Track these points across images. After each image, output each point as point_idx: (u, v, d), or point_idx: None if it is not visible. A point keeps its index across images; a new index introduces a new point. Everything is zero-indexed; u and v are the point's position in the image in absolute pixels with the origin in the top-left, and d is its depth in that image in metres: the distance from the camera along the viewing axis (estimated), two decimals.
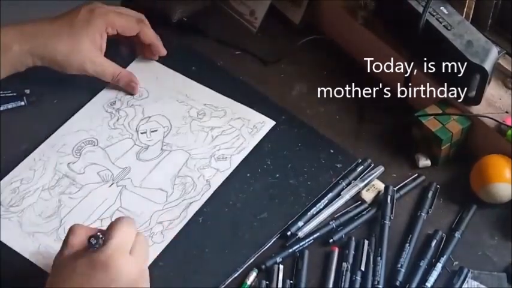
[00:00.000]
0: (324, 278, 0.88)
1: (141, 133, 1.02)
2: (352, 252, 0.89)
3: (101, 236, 0.78)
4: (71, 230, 0.81)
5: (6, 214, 0.93)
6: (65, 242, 0.80)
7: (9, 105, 1.04)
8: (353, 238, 0.90)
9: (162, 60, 1.10)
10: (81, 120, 1.03)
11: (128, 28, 1.05)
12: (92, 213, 0.93)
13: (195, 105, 1.05)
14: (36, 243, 0.90)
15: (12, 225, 0.92)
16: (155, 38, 1.07)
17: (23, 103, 1.04)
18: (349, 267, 0.88)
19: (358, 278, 0.87)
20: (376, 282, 0.87)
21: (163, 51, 1.08)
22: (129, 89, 1.05)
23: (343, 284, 0.87)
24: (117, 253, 0.77)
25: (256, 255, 0.90)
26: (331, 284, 0.87)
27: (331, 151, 1.00)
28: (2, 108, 1.04)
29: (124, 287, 0.77)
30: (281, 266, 0.88)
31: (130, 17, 1.05)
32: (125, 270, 0.77)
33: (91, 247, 0.78)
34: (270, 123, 1.02)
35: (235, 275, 0.88)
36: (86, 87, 1.06)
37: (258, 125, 1.02)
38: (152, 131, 1.02)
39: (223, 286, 0.87)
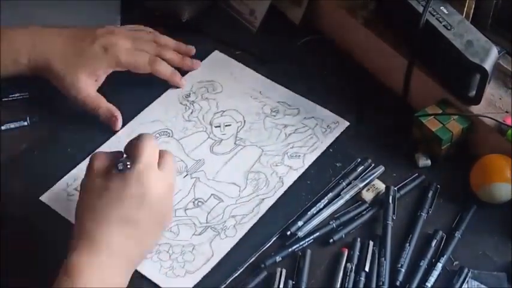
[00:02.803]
0: (326, 278, 0.88)
1: (215, 127, 1.03)
2: (356, 253, 0.89)
3: (127, 161, 0.82)
4: (94, 157, 0.86)
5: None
6: (90, 167, 0.85)
7: (12, 125, 1.03)
8: (358, 239, 0.90)
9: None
10: (156, 111, 1.04)
11: (136, 69, 1.04)
12: None
13: (269, 103, 1.05)
14: None
15: None
16: (170, 75, 1.06)
17: (25, 123, 1.03)
18: (353, 268, 0.88)
19: (362, 278, 0.87)
20: (381, 283, 0.87)
21: (181, 85, 1.07)
22: (110, 123, 1.02)
23: (347, 284, 0.87)
24: (147, 170, 0.82)
25: (257, 255, 0.90)
26: (338, 285, 0.87)
27: (330, 150, 1.00)
28: (3, 128, 1.02)
29: (156, 200, 0.82)
30: (283, 270, 0.88)
31: (141, 58, 1.04)
32: (157, 184, 0.82)
33: (119, 171, 0.82)
34: (343, 123, 1.03)
35: (236, 275, 0.88)
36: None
37: (331, 125, 1.02)
38: (226, 125, 1.03)
39: (223, 286, 0.87)
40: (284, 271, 0.88)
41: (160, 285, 0.87)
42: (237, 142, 1.01)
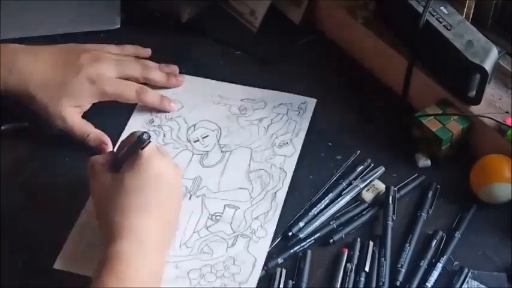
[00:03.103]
0: (326, 278, 0.88)
1: (194, 141, 1.01)
2: (357, 253, 0.89)
3: (143, 133, 0.84)
4: (92, 161, 0.88)
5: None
6: (94, 171, 0.87)
7: (12, 125, 1.02)
8: (358, 239, 0.90)
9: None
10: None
11: (125, 100, 1.02)
12: (185, 229, 0.92)
13: (233, 103, 1.05)
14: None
15: None
16: (159, 103, 1.04)
17: (26, 123, 1.02)
18: (353, 268, 0.88)
19: (362, 279, 0.87)
20: (381, 284, 0.87)
21: (169, 110, 1.04)
22: (99, 150, 0.99)
23: (347, 284, 0.87)
24: (153, 155, 0.85)
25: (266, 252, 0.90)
26: (338, 285, 0.87)
27: (330, 144, 1.01)
28: (3, 128, 1.02)
29: (169, 180, 0.86)
30: (283, 270, 0.88)
31: (128, 89, 1.01)
32: (165, 166, 0.86)
33: (140, 146, 0.84)
34: (312, 101, 1.05)
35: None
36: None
37: (302, 106, 1.04)
38: (204, 137, 1.01)
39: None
40: (284, 271, 0.88)
41: None
42: (223, 149, 1.00)
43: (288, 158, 0.99)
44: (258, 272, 0.88)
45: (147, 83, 1.04)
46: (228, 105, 1.05)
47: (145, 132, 0.84)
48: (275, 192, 0.95)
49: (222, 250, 0.90)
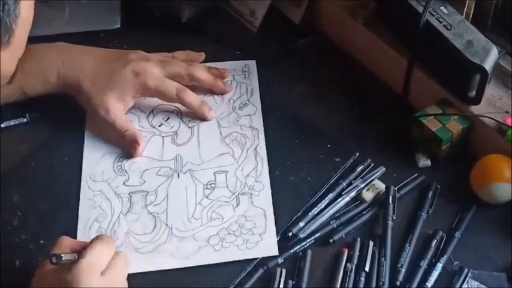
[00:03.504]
0: (326, 278, 0.88)
1: (159, 126, 1.03)
2: (357, 253, 0.89)
3: (61, 255, 0.79)
4: (56, 243, 0.83)
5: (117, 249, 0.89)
6: (48, 253, 0.81)
7: (11, 122, 1.03)
8: (358, 239, 0.90)
9: None
10: (95, 147, 1.01)
11: (165, 99, 1.03)
12: (187, 206, 0.94)
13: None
14: (161, 257, 0.89)
15: (131, 253, 0.89)
16: (198, 106, 1.03)
17: (25, 120, 1.03)
18: (353, 268, 0.88)
19: (362, 278, 0.87)
20: (381, 283, 0.87)
21: (209, 117, 1.03)
22: (131, 148, 0.99)
23: (347, 284, 0.87)
24: (86, 273, 0.79)
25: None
26: (338, 285, 0.87)
27: (329, 146, 1.00)
28: (3, 125, 1.02)
29: None
30: (283, 270, 0.88)
31: (170, 88, 1.01)
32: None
33: (52, 263, 0.79)
34: (252, 63, 1.10)
35: (244, 275, 0.88)
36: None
37: (245, 69, 1.09)
38: (166, 119, 1.04)
39: (232, 286, 0.87)
40: (284, 271, 0.88)
41: (254, 255, 0.89)
42: (189, 125, 1.03)
43: (253, 116, 1.03)
44: (272, 221, 0.92)
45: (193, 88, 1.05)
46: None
47: (55, 255, 0.79)
48: (255, 148, 0.99)
49: (230, 212, 0.93)
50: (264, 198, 0.94)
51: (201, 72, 1.05)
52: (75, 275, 0.78)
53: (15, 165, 0.99)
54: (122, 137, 1.00)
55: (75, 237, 0.91)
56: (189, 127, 1.02)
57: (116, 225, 0.93)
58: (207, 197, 0.95)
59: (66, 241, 0.83)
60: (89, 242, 0.83)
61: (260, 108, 1.04)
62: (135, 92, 1.01)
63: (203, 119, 1.03)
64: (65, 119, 1.04)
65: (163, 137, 1.02)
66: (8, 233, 0.92)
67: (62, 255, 0.79)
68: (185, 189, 0.96)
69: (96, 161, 0.99)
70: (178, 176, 0.97)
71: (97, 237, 0.83)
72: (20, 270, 0.89)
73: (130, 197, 0.96)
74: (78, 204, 0.95)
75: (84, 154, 1.00)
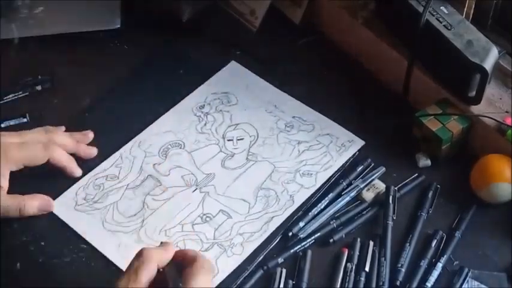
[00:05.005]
0: (326, 278, 0.88)
1: (228, 140, 1.01)
2: (357, 253, 0.89)
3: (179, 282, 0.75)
4: (141, 256, 0.76)
5: (90, 210, 0.94)
6: (132, 269, 0.76)
7: (11, 122, 1.03)
8: (358, 239, 0.90)
9: None
10: (170, 121, 1.03)
11: (33, 162, 0.94)
12: (174, 217, 0.93)
13: (284, 117, 1.03)
14: (117, 242, 0.91)
15: (95, 221, 0.92)
16: (66, 162, 0.96)
17: (25, 120, 1.03)
18: (353, 267, 0.88)
19: (362, 278, 0.87)
20: (381, 283, 0.87)
21: (76, 174, 0.97)
22: (45, 210, 0.93)
23: (347, 284, 0.87)
24: None
25: (265, 253, 0.90)
26: (338, 285, 0.87)
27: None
28: (3, 125, 1.02)
29: None
30: (284, 270, 0.88)
31: (33, 148, 0.94)
32: None
33: None
34: (359, 142, 1.00)
35: (246, 274, 0.88)
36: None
37: (346, 144, 1.00)
38: (239, 139, 1.01)
39: (235, 286, 0.87)
40: (284, 271, 0.88)
41: None
42: (249, 157, 0.99)
43: (303, 189, 0.95)
44: (213, 285, 0.84)
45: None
46: (278, 117, 1.03)
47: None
48: (272, 217, 0.93)
49: (195, 247, 0.90)
50: (231, 263, 0.89)
51: (62, 137, 0.98)
52: None
53: None
54: (25, 214, 0.93)
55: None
56: (247, 159, 0.99)
57: (113, 191, 0.95)
58: (192, 225, 0.92)
59: (151, 255, 0.76)
60: (188, 271, 0.76)
61: (316, 188, 0.95)
62: (10, 167, 0.93)
63: (70, 175, 0.97)
64: (64, 118, 1.04)
65: (220, 151, 1.00)
66: (9, 235, 0.92)
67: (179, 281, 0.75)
68: (184, 206, 0.94)
69: (156, 132, 1.01)
70: (194, 191, 0.96)
71: (201, 265, 0.77)
72: (20, 272, 0.89)
73: (146, 179, 0.96)
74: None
75: (154, 123, 1.02)
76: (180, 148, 1.00)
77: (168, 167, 0.98)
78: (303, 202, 0.94)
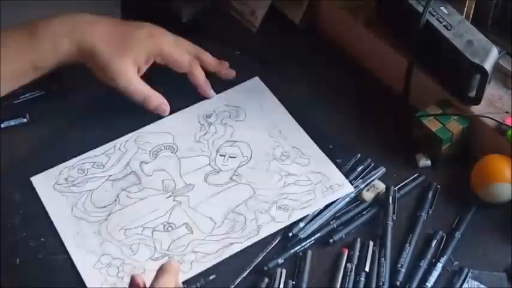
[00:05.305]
0: (326, 278, 0.88)
1: (220, 155, 1.00)
2: (357, 253, 0.89)
3: None
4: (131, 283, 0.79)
5: (65, 192, 0.95)
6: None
7: (11, 122, 1.03)
8: (358, 239, 0.90)
9: None
10: (172, 123, 1.03)
11: (176, 65, 1.03)
12: (138, 219, 0.93)
13: (283, 145, 1.01)
14: (77, 229, 0.91)
15: (66, 204, 0.94)
16: (204, 82, 1.05)
17: (25, 120, 1.03)
18: (353, 268, 0.88)
19: (362, 279, 0.87)
20: (381, 283, 0.87)
21: (210, 96, 1.06)
22: (159, 111, 1.03)
23: (347, 284, 0.87)
24: None
25: (264, 254, 0.90)
26: (338, 285, 0.87)
27: (330, 146, 1.00)
28: (3, 126, 1.02)
29: None
30: (283, 270, 0.88)
31: (183, 56, 1.03)
32: None
33: None
34: (348, 188, 0.95)
35: (244, 275, 0.88)
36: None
37: (334, 186, 0.96)
38: (231, 157, 0.99)
39: (233, 286, 0.87)
40: (284, 271, 0.88)
41: None
42: (234, 177, 0.97)
43: (273, 223, 0.92)
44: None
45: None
46: (277, 143, 1.01)
47: None
48: (232, 243, 0.90)
49: (144, 257, 0.90)
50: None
51: (207, 55, 1.07)
52: None
53: (16, 164, 0.99)
54: (146, 104, 1.01)
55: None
56: (231, 178, 0.97)
57: (94, 178, 0.96)
58: (152, 231, 0.91)
59: (138, 280, 0.79)
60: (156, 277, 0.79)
61: (286, 225, 0.92)
62: (149, 54, 1.00)
63: (204, 96, 1.05)
64: (65, 118, 1.04)
65: (208, 164, 0.99)
66: (9, 231, 0.92)
67: None
68: (152, 210, 0.94)
69: (155, 131, 1.02)
70: (168, 197, 0.95)
71: (163, 270, 0.79)
72: (20, 268, 0.89)
73: (128, 174, 0.97)
74: None
75: (157, 121, 1.03)
76: (172, 152, 1.00)
77: (153, 168, 0.98)
78: (267, 235, 0.92)
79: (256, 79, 1.09)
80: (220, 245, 0.91)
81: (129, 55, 0.99)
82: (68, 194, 0.95)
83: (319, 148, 1.00)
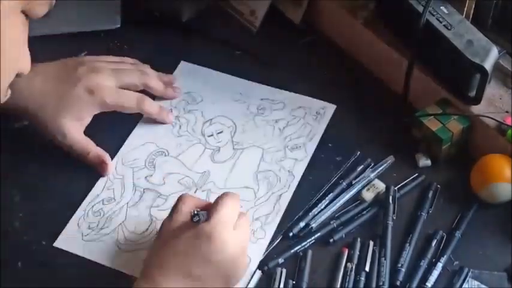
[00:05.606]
0: (326, 278, 0.88)
1: (208, 136, 1.02)
2: (357, 252, 0.89)
3: (202, 213, 0.81)
4: (181, 199, 0.85)
5: (99, 237, 0.92)
6: (175, 208, 0.84)
7: (16, 125, 1.01)
8: (358, 239, 0.90)
9: None
10: (143, 133, 1.02)
11: (125, 110, 1.00)
12: None
13: (252, 102, 1.05)
14: (139, 259, 0.87)
15: (108, 247, 0.91)
16: (158, 113, 1.02)
17: (26, 123, 1.01)
18: (353, 267, 0.88)
19: (363, 278, 0.87)
20: (381, 283, 0.86)
21: (169, 121, 1.03)
22: (99, 169, 0.98)
23: (347, 284, 0.87)
24: (221, 226, 0.80)
25: (266, 253, 0.90)
26: (338, 285, 0.87)
27: (330, 145, 1.01)
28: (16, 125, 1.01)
29: (225, 259, 0.80)
30: (284, 270, 0.88)
31: (128, 99, 0.99)
32: (228, 243, 0.80)
33: (193, 222, 0.80)
34: (331, 107, 1.04)
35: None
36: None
37: (320, 111, 1.03)
38: (218, 133, 1.02)
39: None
40: (284, 271, 0.88)
41: None
42: (235, 146, 1.00)
43: (298, 162, 0.98)
44: (250, 273, 0.87)
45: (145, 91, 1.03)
46: (247, 103, 1.05)
47: (198, 214, 0.80)
48: (280, 195, 0.95)
49: None
50: (258, 247, 0.90)
51: (155, 82, 1.04)
52: (212, 227, 0.80)
53: (16, 165, 0.99)
54: (85, 159, 0.97)
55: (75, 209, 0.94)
56: (234, 148, 1.00)
57: (115, 213, 0.94)
58: None
59: (190, 198, 0.85)
60: (217, 199, 0.83)
61: (310, 157, 0.99)
62: (91, 110, 0.97)
63: (163, 123, 1.03)
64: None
65: (205, 148, 1.00)
66: (11, 234, 0.92)
67: (201, 213, 0.81)
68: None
69: (135, 146, 1.01)
70: (196, 191, 0.96)
71: (225, 194, 0.84)
72: (22, 271, 0.89)
73: (143, 193, 0.96)
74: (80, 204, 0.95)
75: (129, 137, 1.01)
76: (165, 156, 1.00)
77: (161, 176, 0.98)
78: (303, 174, 0.97)
79: (183, 63, 1.11)
80: (272, 202, 0.94)
81: (66, 115, 0.96)
82: (103, 237, 0.92)
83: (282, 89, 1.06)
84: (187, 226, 0.81)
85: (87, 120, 0.98)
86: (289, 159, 0.99)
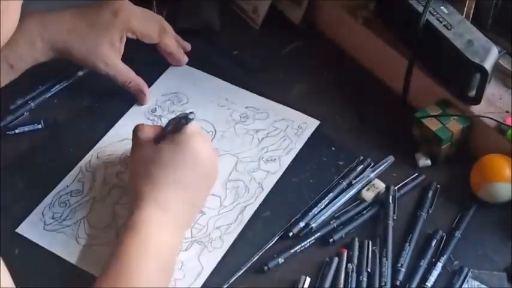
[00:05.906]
0: (326, 279, 0.88)
1: None
2: (356, 253, 0.89)
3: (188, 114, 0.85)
4: (137, 128, 0.89)
5: (60, 228, 0.92)
6: (137, 138, 0.89)
7: (26, 128, 1.02)
8: (356, 239, 0.90)
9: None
10: (123, 129, 1.01)
11: (147, 37, 1.04)
12: None
13: (237, 109, 1.04)
14: (94, 256, 0.89)
15: (67, 238, 0.91)
16: (175, 49, 1.07)
17: (39, 126, 1.03)
18: (354, 268, 0.88)
19: (365, 279, 0.87)
20: (383, 283, 0.86)
21: (183, 62, 1.08)
22: (138, 98, 1.04)
23: (349, 285, 0.87)
24: (195, 134, 0.86)
25: (260, 254, 0.90)
26: (341, 285, 0.87)
27: (333, 149, 1.00)
28: (17, 131, 1.02)
29: (205, 163, 0.86)
30: (307, 278, 0.87)
31: (152, 26, 1.04)
32: (204, 147, 0.86)
33: (181, 124, 0.85)
34: (314, 123, 1.02)
35: (239, 274, 0.88)
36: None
37: (302, 125, 1.02)
38: None
39: (226, 285, 0.87)
40: (308, 279, 0.87)
41: None
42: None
43: (270, 175, 0.97)
44: (199, 283, 0.87)
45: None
46: (231, 110, 1.04)
47: (192, 112, 0.85)
48: (245, 206, 0.94)
49: None
50: (213, 257, 0.89)
51: (170, 40, 1.07)
52: (187, 139, 0.86)
53: (18, 155, 1.00)
54: (126, 87, 1.03)
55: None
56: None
57: (81, 206, 0.94)
58: None
59: (146, 126, 0.89)
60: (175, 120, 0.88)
61: (282, 172, 0.97)
62: (119, 32, 1.01)
63: (177, 64, 1.07)
64: (69, 112, 1.05)
65: None
66: (8, 220, 0.92)
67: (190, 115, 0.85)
68: None
69: (111, 142, 1.00)
70: None
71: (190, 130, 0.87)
72: (19, 258, 0.89)
73: (111, 189, 0.95)
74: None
75: (109, 131, 1.01)
76: None
77: None
78: (272, 188, 0.96)
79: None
80: (236, 213, 0.93)
81: (102, 39, 1.00)
82: (63, 229, 0.92)
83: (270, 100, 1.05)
84: (163, 145, 0.86)
85: (118, 46, 1.01)
86: (261, 170, 0.97)
